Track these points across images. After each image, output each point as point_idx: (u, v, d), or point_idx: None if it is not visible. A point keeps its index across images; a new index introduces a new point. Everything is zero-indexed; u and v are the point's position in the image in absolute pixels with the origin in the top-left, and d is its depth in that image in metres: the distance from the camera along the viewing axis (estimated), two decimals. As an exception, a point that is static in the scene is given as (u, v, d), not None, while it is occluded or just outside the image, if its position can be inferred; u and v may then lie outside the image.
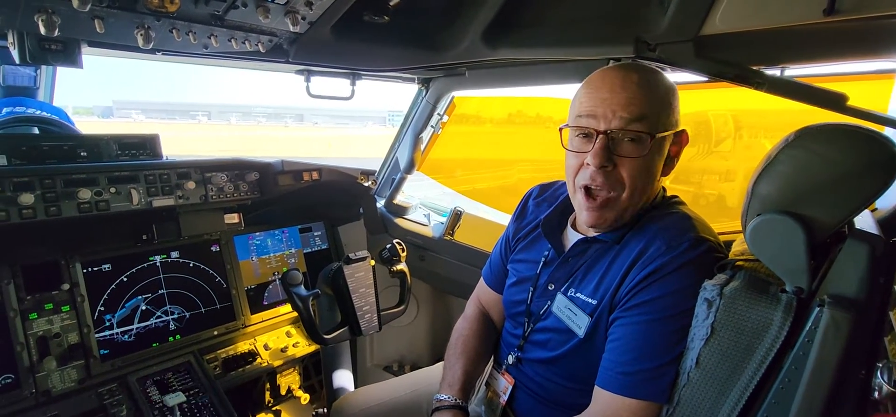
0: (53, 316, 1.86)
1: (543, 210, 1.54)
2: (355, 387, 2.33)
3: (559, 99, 2.37)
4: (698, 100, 2.42)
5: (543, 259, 1.46)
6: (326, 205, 2.82)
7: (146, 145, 2.06)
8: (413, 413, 1.85)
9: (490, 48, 1.79)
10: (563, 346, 1.33)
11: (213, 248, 2.34)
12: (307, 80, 1.99)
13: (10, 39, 1.29)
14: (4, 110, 1.90)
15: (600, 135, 1.20)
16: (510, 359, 1.50)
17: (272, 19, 1.34)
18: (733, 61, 1.45)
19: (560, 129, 1.32)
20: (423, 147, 2.58)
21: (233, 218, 2.35)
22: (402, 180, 2.63)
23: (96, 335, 1.94)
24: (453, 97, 2.45)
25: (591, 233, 1.36)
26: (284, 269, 2.62)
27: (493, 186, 3.04)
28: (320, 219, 2.85)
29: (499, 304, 1.69)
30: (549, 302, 1.38)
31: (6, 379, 1.72)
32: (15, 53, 1.31)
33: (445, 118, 2.51)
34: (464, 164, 3.17)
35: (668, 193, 1.40)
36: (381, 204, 2.85)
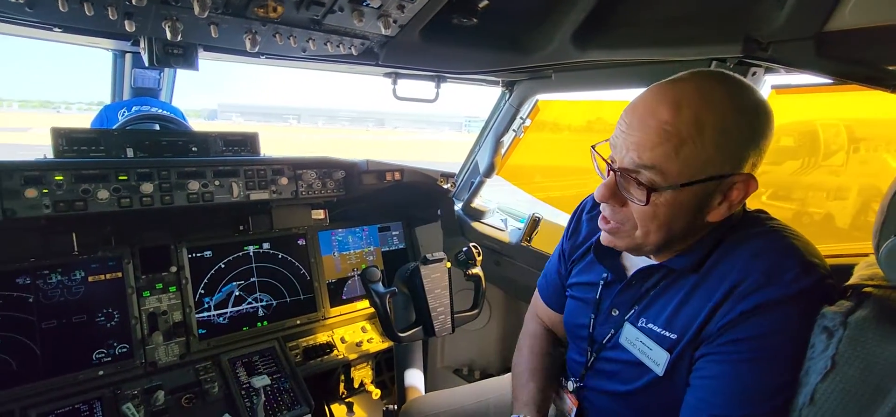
0: (162, 295, 2.07)
1: (599, 226, 1.42)
2: (425, 387, 2.35)
3: None
4: (801, 107, 2.15)
5: (602, 281, 1.34)
6: (405, 206, 2.88)
7: (247, 142, 2.25)
8: None
9: (579, 49, 1.72)
10: (636, 381, 1.21)
11: (299, 242, 2.49)
12: (394, 83, 2.05)
13: (142, 44, 1.46)
14: (133, 108, 2.17)
15: (611, 171, 1.11)
16: (571, 385, 1.41)
17: (366, 23, 1.39)
18: (864, 60, 1.26)
19: (592, 149, 1.20)
20: (503, 151, 2.54)
21: (319, 214, 2.48)
22: (480, 184, 2.61)
23: (196, 315, 2.14)
24: (537, 100, 2.39)
25: (654, 261, 1.22)
26: (363, 266, 2.71)
27: (568, 195, 2.93)
28: (399, 219, 2.92)
29: (559, 323, 1.58)
30: (613, 330, 1.27)
31: (122, 348, 1.94)
32: (145, 57, 1.48)
33: (528, 122, 2.45)
34: (539, 172, 3.09)
35: (754, 207, 1.21)
36: (458, 207, 2.85)
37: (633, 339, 1.20)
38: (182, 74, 2.59)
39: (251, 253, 2.32)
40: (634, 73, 1.86)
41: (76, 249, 1.87)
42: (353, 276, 2.67)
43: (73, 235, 1.86)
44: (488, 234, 2.69)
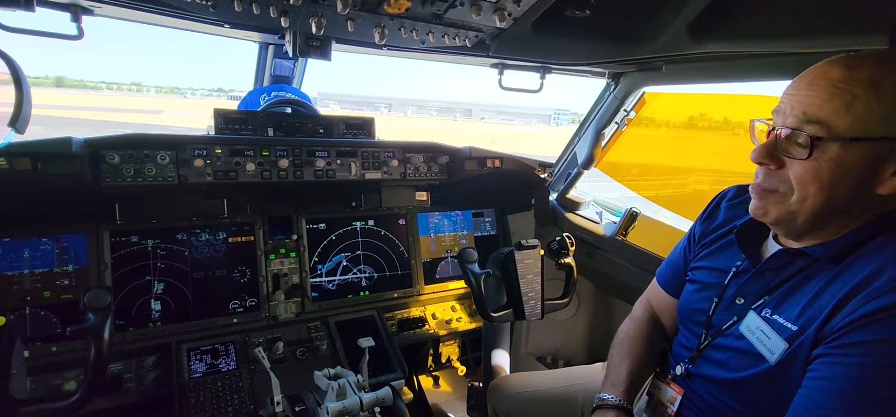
0: (284, 259, 2.35)
1: (739, 214, 1.36)
2: (510, 370, 2.42)
3: (764, 96, 2.07)
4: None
5: (734, 268, 1.30)
6: (499, 193, 2.96)
7: (364, 126, 2.47)
8: (567, 408, 1.85)
9: (695, 41, 1.67)
10: (744, 370, 1.17)
11: (400, 221, 2.68)
12: (500, 73, 2.12)
13: (288, 38, 1.69)
14: (272, 93, 2.49)
15: (772, 133, 1.08)
16: (679, 370, 1.39)
17: (483, 16, 1.48)
18: None
19: (752, 123, 1.18)
20: (604, 143, 2.52)
21: (422, 196, 2.65)
22: (578, 175, 2.62)
23: (310, 280, 2.40)
24: (644, 93, 2.33)
25: (796, 245, 1.17)
26: (456, 248, 2.85)
27: (663, 194, 2.79)
28: (491, 206, 3.01)
29: (671, 309, 1.57)
30: (735, 318, 1.24)
31: (251, 301, 2.25)
32: (289, 48, 1.70)
33: (633, 114, 2.41)
34: (633, 168, 2.99)
35: None
36: (553, 197, 2.88)
37: (754, 328, 1.17)
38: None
39: (358, 228, 2.56)
40: (758, 66, 1.77)
41: (226, 213, 2.20)
42: (447, 257, 2.82)
43: (224, 201, 2.18)
44: (582, 225, 2.68)
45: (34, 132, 1.71)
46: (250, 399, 1.87)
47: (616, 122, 2.44)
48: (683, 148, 2.83)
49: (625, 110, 2.40)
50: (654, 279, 1.67)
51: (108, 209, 1.97)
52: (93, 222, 1.97)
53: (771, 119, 1.12)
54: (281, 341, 2.14)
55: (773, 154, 1.08)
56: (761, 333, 1.15)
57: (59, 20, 1.39)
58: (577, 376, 1.98)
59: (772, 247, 1.26)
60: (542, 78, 2.23)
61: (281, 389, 1.64)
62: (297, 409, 1.54)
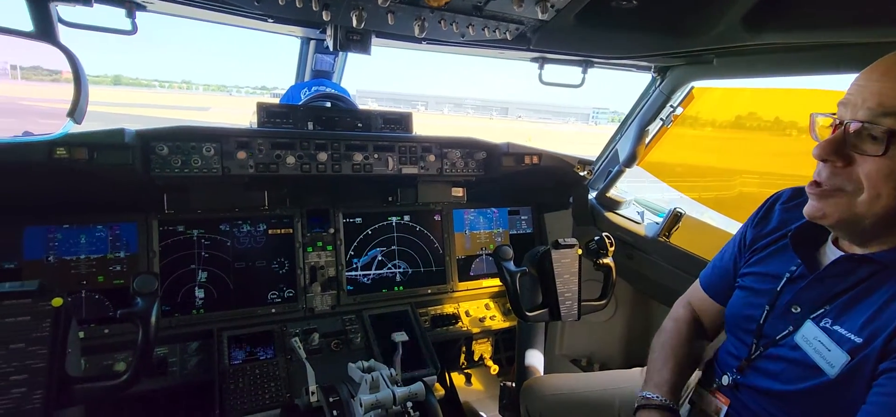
0: (321, 252, 2.39)
1: (795, 218, 1.27)
2: (544, 371, 2.37)
3: (820, 90, 1.93)
4: None
5: (788, 274, 1.22)
6: (536, 191, 2.90)
7: (402, 121, 2.47)
8: (604, 413, 1.80)
9: (751, 32, 1.57)
10: (799, 382, 1.11)
11: (436, 217, 2.67)
12: (541, 68, 2.07)
13: (329, 32, 1.70)
14: (313, 88, 2.53)
15: (838, 127, 0.99)
16: (726, 380, 1.32)
17: (524, 8, 1.45)
18: None
19: (812, 117, 1.10)
20: (647, 140, 2.41)
21: (458, 192, 2.64)
22: (619, 173, 2.52)
23: (346, 273, 2.43)
24: (692, 88, 2.22)
25: (859, 251, 1.08)
26: (491, 246, 2.82)
27: (707, 196, 2.66)
28: (528, 204, 2.96)
29: (714, 314, 1.50)
30: (790, 328, 1.16)
31: (289, 292, 2.29)
32: (329, 42, 1.72)
33: (680, 110, 2.29)
34: (678, 167, 2.86)
35: None
36: (592, 195, 2.79)
37: (811, 338, 1.10)
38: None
39: (394, 224, 2.57)
40: (820, 58, 1.65)
41: (266, 205, 2.26)
42: (482, 255, 2.79)
43: (265, 193, 2.24)
44: (622, 225, 2.60)
45: (92, 127, 1.81)
46: (287, 388, 1.91)
47: (661, 119, 2.33)
48: (730, 148, 2.69)
49: (671, 106, 2.29)
50: (697, 281, 1.60)
51: (157, 199, 2.05)
52: (143, 211, 2.07)
53: (835, 112, 1.04)
54: (317, 332, 2.17)
55: (839, 150, 1.00)
56: (819, 344, 1.08)
57: (115, 16, 1.45)
58: (614, 380, 1.92)
59: (831, 253, 1.17)
60: (584, 72, 2.16)
61: (316, 379, 1.66)
62: (331, 400, 1.56)
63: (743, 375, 1.27)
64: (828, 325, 1.08)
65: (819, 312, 1.12)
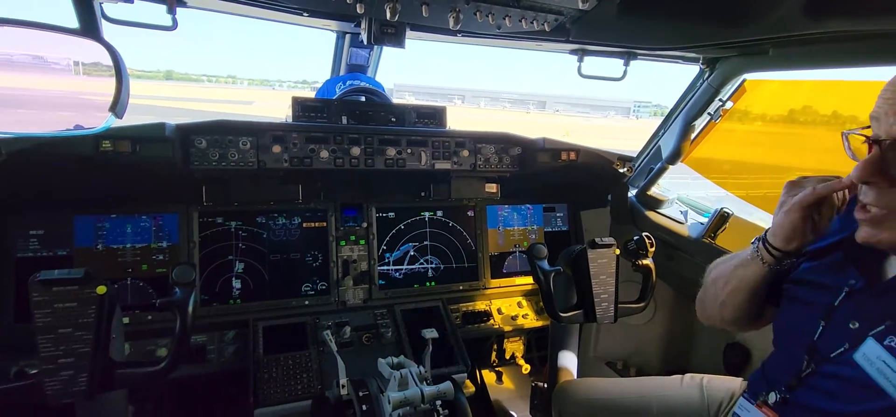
0: (354, 246, 2.40)
1: (851, 224, 1.17)
2: (577, 373, 2.31)
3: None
4: None
5: (847, 288, 1.12)
6: (572, 188, 2.82)
7: (436, 115, 2.44)
8: None
9: (813, 19, 1.45)
10: (859, 403, 1.03)
11: (469, 213, 2.64)
12: (580, 60, 1.99)
13: (363, 25, 1.69)
14: (347, 82, 2.54)
15: (874, 144, 0.91)
16: (773, 398, 1.24)
17: (564, -3, 1.38)
18: None
19: (844, 136, 1.02)
20: (693, 136, 2.28)
21: (492, 188, 2.59)
22: (661, 170, 2.40)
23: (378, 267, 2.43)
24: (744, 80, 2.08)
25: None
26: (525, 243, 2.76)
27: (756, 195, 2.49)
28: (564, 201, 2.88)
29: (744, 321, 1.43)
30: (846, 345, 1.07)
31: (322, 285, 2.32)
32: (364, 36, 1.71)
33: (730, 104, 2.15)
34: (726, 165, 2.70)
35: None
36: (632, 193, 2.68)
37: (874, 357, 1.01)
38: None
39: (426, 219, 2.55)
40: (891, 47, 1.50)
41: (301, 199, 2.29)
42: (515, 252, 2.74)
43: (300, 187, 2.27)
44: (664, 225, 2.48)
45: (146, 121, 1.88)
46: (318, 380, 1.93)
47: (708, 113, 2.19)
48: (784, 144, 2.52)
49: (720, 100, 2.15)
50: None
51: (196, 191, 2.11)
52: (184, 203, 2.13)
53: (868, 127, 0.95)
54: (348, 325, 2.19)
55: (882, 170, 0.92)
56: (883, 364, 1.00)
57: (156, 12, 1.49)
58: (651, 386, 1.84)
59: (894, 264, 1.07)
60: (626, 64, 2.05)
61: (346, 373, 1.67)
62: (360, 394, 1.56)
63: (793, 392, 1.19)
64: (893, 344, 1.00)
65: (880, 328, 1.03)
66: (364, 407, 1.52)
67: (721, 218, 2.22)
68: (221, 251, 2.19)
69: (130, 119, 1.87)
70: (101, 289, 1.26)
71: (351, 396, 1.58)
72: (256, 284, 2.22)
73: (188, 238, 2.13)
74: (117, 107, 1.23)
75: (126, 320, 1.92)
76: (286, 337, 2.09)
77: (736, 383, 1.67)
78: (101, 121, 1.46)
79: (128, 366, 1.40)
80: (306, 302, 2.27)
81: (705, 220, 2.32)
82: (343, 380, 1.66)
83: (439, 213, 2.57)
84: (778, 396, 1.23)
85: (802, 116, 2.31)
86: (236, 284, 2.19)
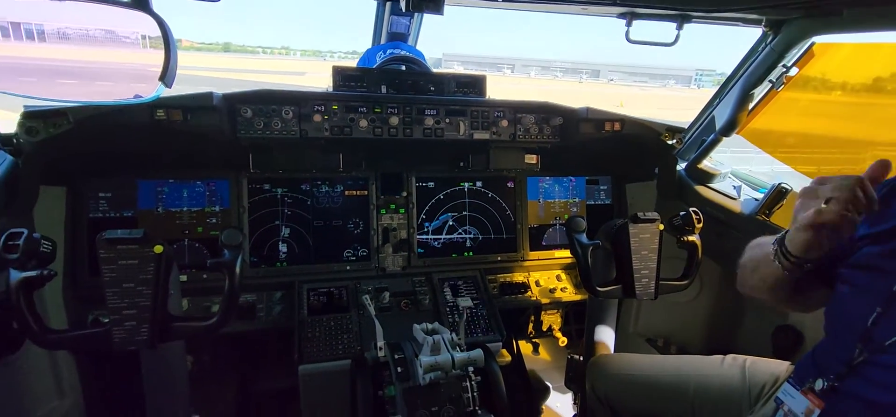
0: (394, 214, 2.45)
1: None
2: (614, 348, 2.27)
3: None
4: None
5: None
6: (617, 160, 2.72)
7: (476, 84, 2.41)
8: (676, 398, 1.70)
9: None
10: None
11: (508, 184, 2.61)
12: (628, 24, 1.86)
13: (402, -9, 1.67)
14: (388, 51, 2.55)
15: None
16: (820, 385, 1.18)
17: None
18: None
19: None
20: (752, 106, 2.11)
21: (531, 159, 2.55)
22: (715, 142, 2.24)
23: (417, 236, 2.48)
24: (812, 44, 1.88)
25: None
26: (566, 216, 2.71)
27: (826, 171, 2.26)
28: (608, 174, 2.79)
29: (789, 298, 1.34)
30: None
31: (363, 252, 2.39)
32: (402, 2, 1.69)
33: (795, 71, 1.96)
34: (789, 137, 2.48)
35: None
36: (681, 166, 2.54)
37: None
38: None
39: (465, 189, 2.55)
40: None
41: (342, 167, 2.35)
42: (555, 224, 2.70)
43: (340, 155, 2.33)
44: (714, 200, 2.34)
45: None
46: (358, 341, 2.02)
47: (770, 80, 2.01)
48: (856, 114, 2.29)
49: (784, 66, 1.96)
50: None
51: (244, 159, 2.22)
52: (234, 169, 2.25)
53: None
54: (387, 291, 2.26)
55: None
56: None
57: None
58: (690, 365, 1.78)
59: None
60: (679, 28, 1.90)
61: (383, 336, 1.73)
62: (396, 356, 1.62)
63: (842, 381, 1.14)
64: None
65: None
66: (399, 369, 1.58)
67: (778, 194, 2.07)
68: (269, 216, 2.30)
69: (190, 89, 1.98)
70: (158, 249, 1.37)
71: (387, 357, 1.65)
72: (301, 249, 2.32)
73: (238, 203, 2.25)
74: (166, 76, 1.31)
75: (183, 277, 2.07)
76: (329, 299, 2.19)
77: (782, 366, 1.59)
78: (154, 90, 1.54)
79: (184, 320, 1.52)
80: (347, 268, 2.35)
81: (761, 196, 2.17)
82: (380, 343, 1.73)
83: (478, 184, 2.57)
84: (825, 383, 1.17)
85: (889, 84, 2.08)
86: (282, 248, 2.30)
